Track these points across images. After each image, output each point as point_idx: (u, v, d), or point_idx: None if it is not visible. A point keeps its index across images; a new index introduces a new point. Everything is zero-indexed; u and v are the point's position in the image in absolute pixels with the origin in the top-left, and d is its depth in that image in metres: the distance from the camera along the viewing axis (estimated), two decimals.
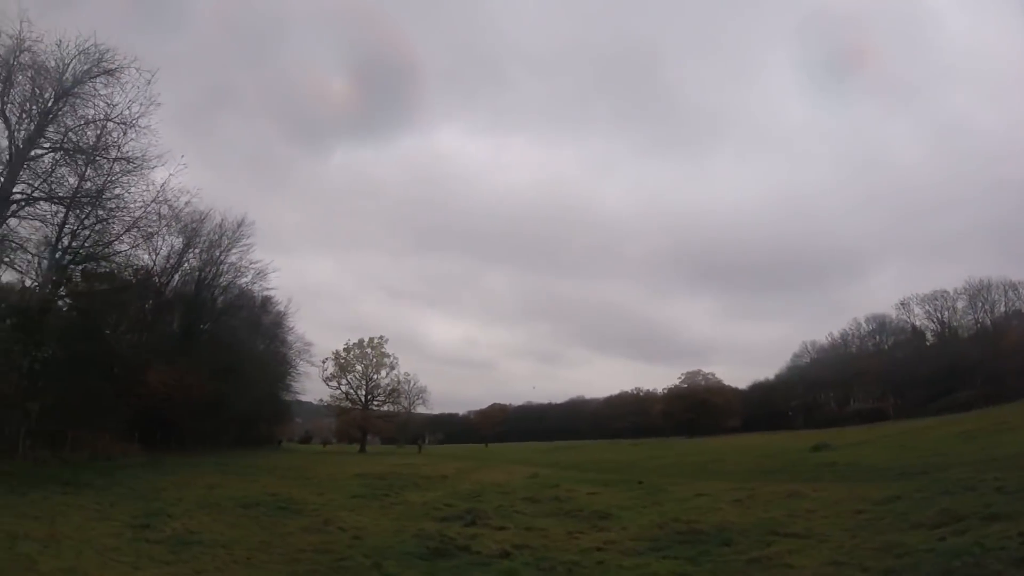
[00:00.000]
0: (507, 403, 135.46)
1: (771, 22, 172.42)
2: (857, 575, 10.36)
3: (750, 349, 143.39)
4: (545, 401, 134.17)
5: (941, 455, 27.73)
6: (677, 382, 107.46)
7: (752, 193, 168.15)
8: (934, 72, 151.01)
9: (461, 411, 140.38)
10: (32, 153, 29.23)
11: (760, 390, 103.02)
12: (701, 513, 17.94)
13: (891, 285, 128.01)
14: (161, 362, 37.99)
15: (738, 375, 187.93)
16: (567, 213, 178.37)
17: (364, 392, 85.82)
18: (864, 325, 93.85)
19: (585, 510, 19.48)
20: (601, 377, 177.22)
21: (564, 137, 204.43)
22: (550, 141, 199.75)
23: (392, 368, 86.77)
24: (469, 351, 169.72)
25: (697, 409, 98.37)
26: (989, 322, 79.00)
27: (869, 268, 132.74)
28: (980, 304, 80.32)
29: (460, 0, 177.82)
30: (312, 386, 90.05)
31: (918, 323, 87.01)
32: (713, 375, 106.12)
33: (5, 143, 28.46)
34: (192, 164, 32.44)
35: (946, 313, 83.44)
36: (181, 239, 46.01)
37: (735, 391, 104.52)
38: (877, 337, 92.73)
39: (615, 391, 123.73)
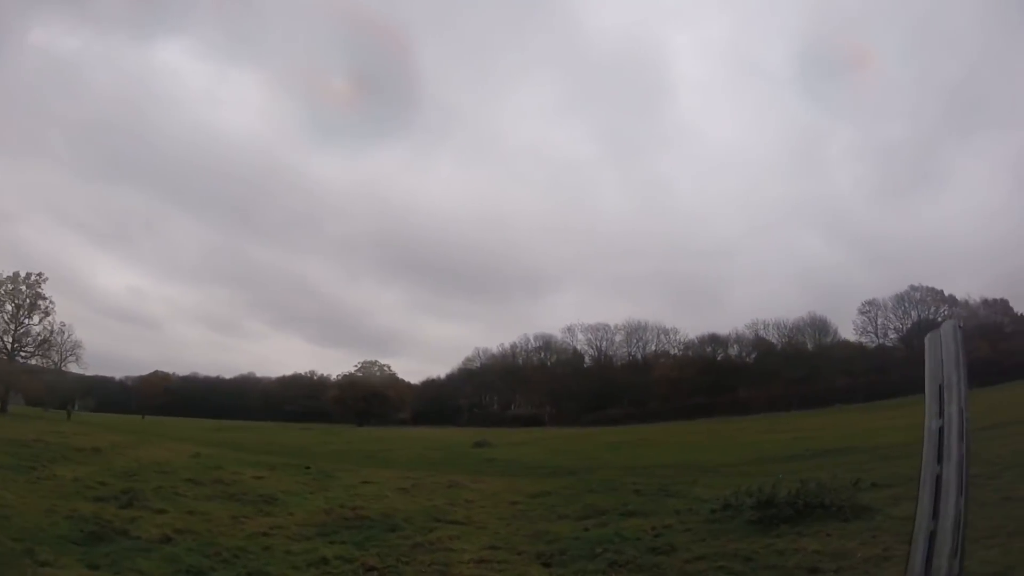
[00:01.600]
0: (171, 372, 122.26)
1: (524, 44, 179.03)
2: (512, 558, 11.29)
3: (429, 345, 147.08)
4: (214, 374, 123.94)
5: (590, 459, 31.61)
6: (353, 370, 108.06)
7: (467, 199, 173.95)
8: (652, 136, 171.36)
9: (118, 375, 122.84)
10: None
11: (432, 387, 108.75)
12: (368, 500, 18.41)
13: (565, 308, 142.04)
14: None
15: (414, 369, 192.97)
16: (274, 173, 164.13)
17: (11, 339, 70.67)
18: (532, 341, 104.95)
19: (251, 494, 18.87)
20: (276, 354, 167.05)
21: (294, 86, 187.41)
22: (277, 84, 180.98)
23: (47, 314, 72.12)
24: (136, 305, 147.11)
25: (370, 399, 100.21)
26: (640, 356, 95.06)
27: (550, 289, 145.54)
28: (635, 340, 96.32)
29: None
30: None
31: (579, 347, 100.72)
32: (388, 367, 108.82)
33: None
34: None
35: (605, 343, 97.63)
36: None
37: (408, 385, 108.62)
38: (543, 353, 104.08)
39: (289, 371, 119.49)
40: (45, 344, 73.30)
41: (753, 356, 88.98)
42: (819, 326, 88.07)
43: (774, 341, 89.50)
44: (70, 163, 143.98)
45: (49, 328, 73.25)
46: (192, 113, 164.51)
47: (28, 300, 71.38)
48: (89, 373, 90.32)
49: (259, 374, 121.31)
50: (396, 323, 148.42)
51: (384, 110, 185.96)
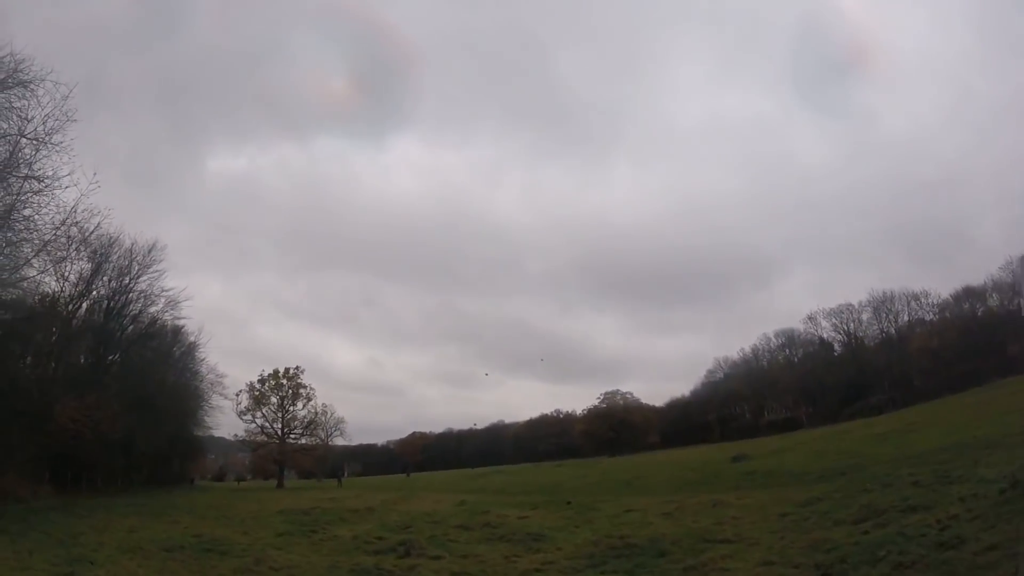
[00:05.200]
0: (427, 431, 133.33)
1: (664, 7, 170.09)
2: (790, 572, 11.03)
3: (663, 365, 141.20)
4: (466, 427, 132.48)
5: (857, 457, 29.08)
6: (596, 402, 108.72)
7: (654, 198, 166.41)
8: (834, 61, 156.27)
9: (379, 441, 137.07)
10: None
11: (677, 406, 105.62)
12: (633, 527, 18.44)
13: (801, 294, 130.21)
14: (69, 396, 35.82)
15: (654, 391, 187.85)
16: (460, 223, 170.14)
17: (280, 425, 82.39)
18: (774, 339, 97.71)
19: (518, 533, 19.64)
20: (518, 398, 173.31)
21: (450, 139, 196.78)
22: (436, 143, 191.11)
23: (309, 399, 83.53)
24: (377, 375, 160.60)
25: (618, 428, 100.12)
26: (894, 331, 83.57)
27: (777, 275, 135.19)
28: (884, 315, 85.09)
29: None
30: (225, 420, 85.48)
31: (825, 335, 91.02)
32: (631, 394, 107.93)
33: None
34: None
35: (852, 325, 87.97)
36: (90, 264, 43.52)
37: (653, 408, 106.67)
38: (787, 350, 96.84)
39: (535, 414, 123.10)
40: (312, 425, 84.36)
41: (1018, 302, 74.55)
42: None
43: None
44: (279, 263, 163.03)
45: (313, 411, 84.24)
46: (369, 188, 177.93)
47: (290, 391, 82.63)
48: (353, 443, 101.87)
49: (507, 420, 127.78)
50: (622, 347, 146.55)
51: (546, 130, 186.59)
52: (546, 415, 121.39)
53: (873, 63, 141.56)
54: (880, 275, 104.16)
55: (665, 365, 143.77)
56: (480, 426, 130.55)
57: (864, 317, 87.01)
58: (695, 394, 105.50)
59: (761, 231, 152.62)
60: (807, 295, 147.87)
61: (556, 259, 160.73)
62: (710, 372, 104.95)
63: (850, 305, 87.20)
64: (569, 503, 26.72)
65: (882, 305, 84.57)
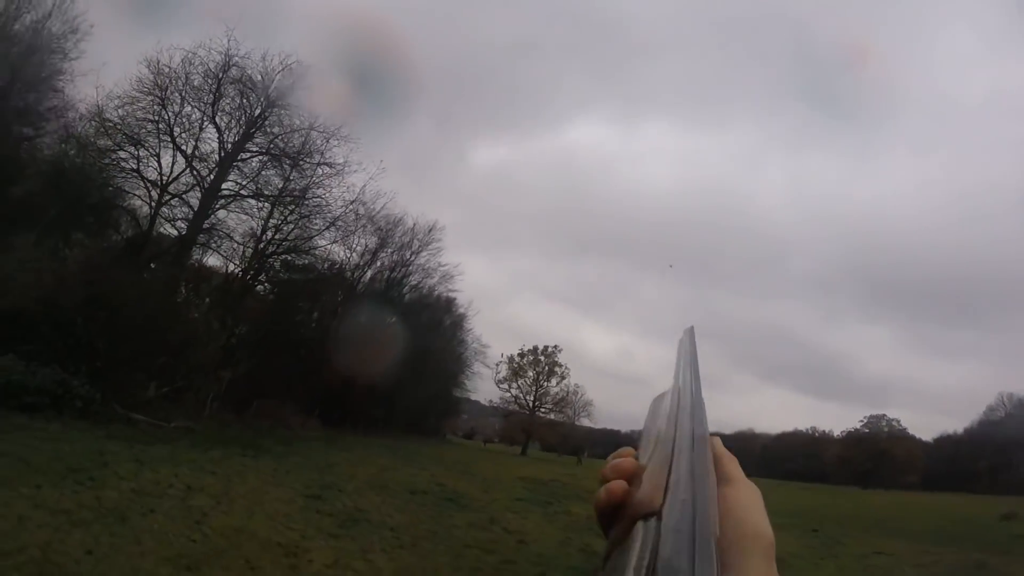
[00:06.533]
0: None
1: None
2: None
3: (936, 393, 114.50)
4: (712, 429, 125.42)
5: None
6: (858, 425, 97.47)
7: (938, 191, 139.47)
8: None
9: (623, 428, 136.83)
10: (240, 156, 32.42)
11: (946, 444, 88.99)
12: (883, 573, 17.17)
13: None
14: (347, 349, 40.04)
15: (921, 423, 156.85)
16: (716, 214, 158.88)
17: (533, 398, 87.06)
18: None
19: None
20: (771, 408, 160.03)
21: (706, 121, 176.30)
22: (691, 127, 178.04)
23: (563, 378, 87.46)
24: (626, 364, 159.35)
25: (876, 459, 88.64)
26: None
27: None
28: None
29: None
30: (483, 386, 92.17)
31: None
32: (898, 422, 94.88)
33: (216, 146, 31.64)
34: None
35: None
36: (375, 239, 48.77)
37: (919, 443, 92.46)
38: None
39: (788, 428, 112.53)
40: (562, 402, 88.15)
41: None
42: None
43: None
44: (538, 248, 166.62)
45: (565, 389, 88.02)
46: (622, 176, 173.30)
47: (546, 368, 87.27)
48: (597, 427, 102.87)
49: (757, 430, 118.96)
50: (890, 366, 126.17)
51: (812, 112, 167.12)
52: (799, 431, 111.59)
53: None
54: None
55: (938, 393, 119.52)
56: (727, 431, 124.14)
57: None
58: (969, 433, 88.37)
59: None
60: None
61: (822, 259, 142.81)
62: (990, 409, 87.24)
63: None
64: (815, 531, 23.96)
65: None
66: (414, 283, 55.11)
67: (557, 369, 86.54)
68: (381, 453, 29.66)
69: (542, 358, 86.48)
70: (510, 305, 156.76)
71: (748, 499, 0.81)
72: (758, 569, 0.66)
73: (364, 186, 36.15)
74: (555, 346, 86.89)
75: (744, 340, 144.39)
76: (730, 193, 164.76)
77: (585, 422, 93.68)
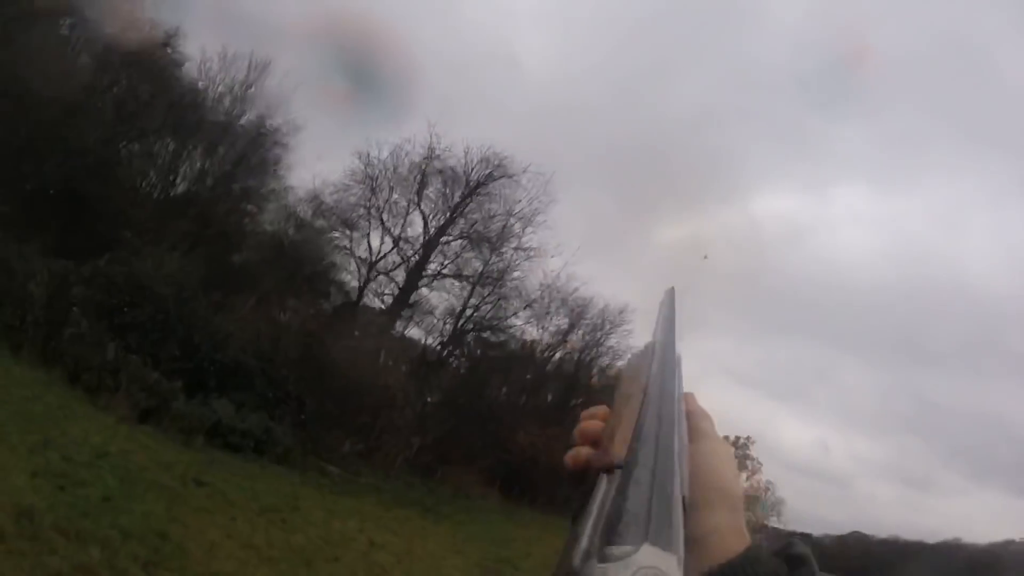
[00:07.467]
0: (871, 533, 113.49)
1: None
2: None
3: None
4: (915, 538, 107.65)
5: None
6: None
7: None
8: None
9: (814, 531, 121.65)
10: (442, 239, 35.17)
11: None
12: None
13: None
14: (533, 426, 40.44)
15: None
16: (920, 283, 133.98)
17: None
18: None
19: None
20: (979, 513, 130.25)
21: (899, 178, 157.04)
22: (883, 187, 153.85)
23: (754, 473, 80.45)
24: (822, 460, 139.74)
25: None
26: None
27: None
28: None
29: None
30: None
31: None
32: None
33: (420, 229, 34.50)
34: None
35: None
36: (567, 320, 49.86)
37: None
38: None
39: (999, 537, 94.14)
40: (751, 500, 79.53)
41: None
42: None
43: None
44: (728, 327, 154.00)
45: (756, 486, 79.71)
46: (817, 246, 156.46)
47: (736, 461, 79.62)
48: (786, 528, 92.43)
49: (965, 538, 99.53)
50: None
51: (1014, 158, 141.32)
52: (1014, 541, 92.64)
53: None
54: None
55: None
56: (930, 540, 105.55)
57: None
58: None
59: None
60: None
61: None
62: None
63: None
64: None
65: None
66: (604, 364, 55.10)
67: (748, 463, 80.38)
68: (559, 534, 28.75)
69: (733, 449, 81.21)
70: (701, 388, 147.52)
71: (718, 454, 0.80)
72: (723, 521, 0.68)
73: (560, 271, 37.07)
74: (748, 437, 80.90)
75: (956, 433, 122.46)
76: (930, 257, 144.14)
77: (773, 522, 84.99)
